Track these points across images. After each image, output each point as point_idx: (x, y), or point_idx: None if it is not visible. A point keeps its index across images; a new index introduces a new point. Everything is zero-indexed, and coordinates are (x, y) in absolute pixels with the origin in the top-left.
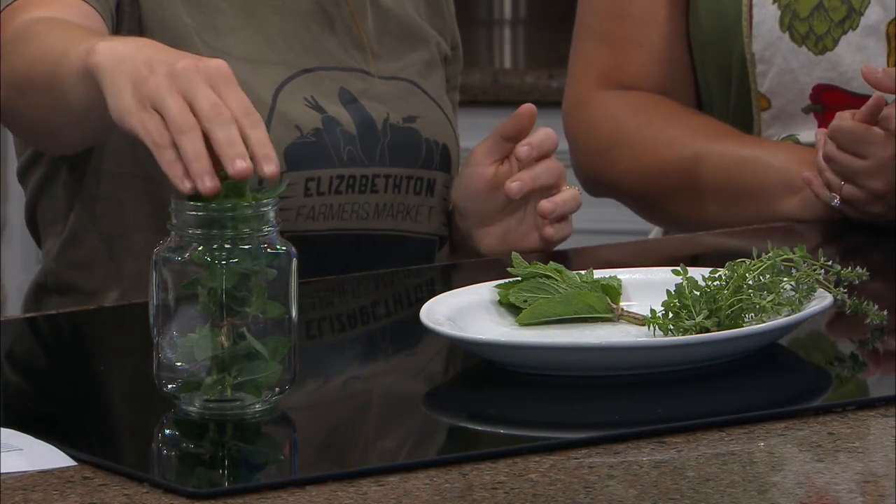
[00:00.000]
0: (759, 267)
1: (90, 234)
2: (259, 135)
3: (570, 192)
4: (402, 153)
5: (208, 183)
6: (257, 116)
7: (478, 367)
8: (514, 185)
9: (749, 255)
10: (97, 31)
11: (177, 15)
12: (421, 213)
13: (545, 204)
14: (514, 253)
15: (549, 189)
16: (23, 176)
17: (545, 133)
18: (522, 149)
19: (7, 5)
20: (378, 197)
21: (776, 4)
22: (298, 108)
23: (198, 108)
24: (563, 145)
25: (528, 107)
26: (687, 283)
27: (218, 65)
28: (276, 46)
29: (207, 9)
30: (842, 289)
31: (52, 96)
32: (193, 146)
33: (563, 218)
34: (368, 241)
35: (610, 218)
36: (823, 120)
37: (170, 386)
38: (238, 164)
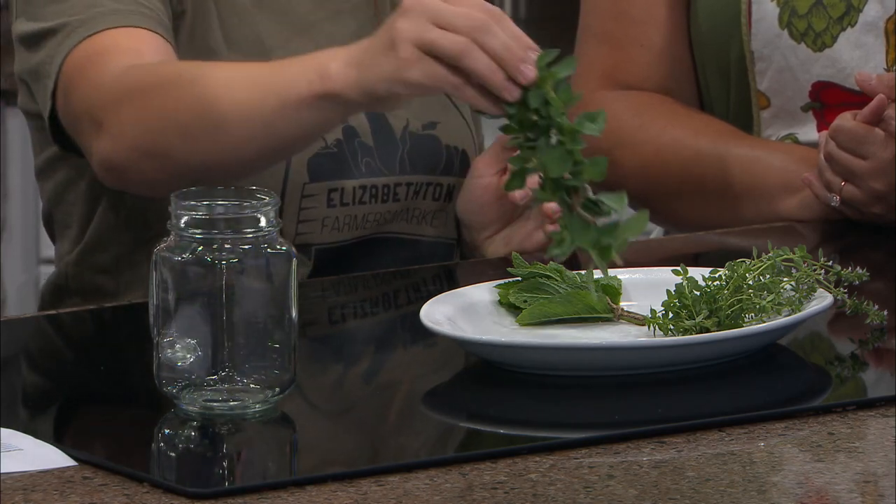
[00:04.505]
0: (759, 267)
1: (114, 240)
2: (514, 30)
3: None
4: (421, 161)
5: (530, 70)
6: (498, 11)
7: (478, 367)
8: (519, 191)
9: (749, 255)
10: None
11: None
12: (438, 218)
13: (549, 204)
14: (514, 253)
15: None
16: (41, 175)
17: None
18: None
19: (68, 53)
20: (398, 204)
21: (775, 2)
22: None
23: (456, 26)
24: None
25: None
26: (687, 283)
27: None
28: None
29: (243, 18)
30: (842, 289)
31: (225, 135)
32: (495, 42)
33: None
34: (383, 245)
35: None
36: (822, 118)
37: (170, 386)
38: (527, 71)
